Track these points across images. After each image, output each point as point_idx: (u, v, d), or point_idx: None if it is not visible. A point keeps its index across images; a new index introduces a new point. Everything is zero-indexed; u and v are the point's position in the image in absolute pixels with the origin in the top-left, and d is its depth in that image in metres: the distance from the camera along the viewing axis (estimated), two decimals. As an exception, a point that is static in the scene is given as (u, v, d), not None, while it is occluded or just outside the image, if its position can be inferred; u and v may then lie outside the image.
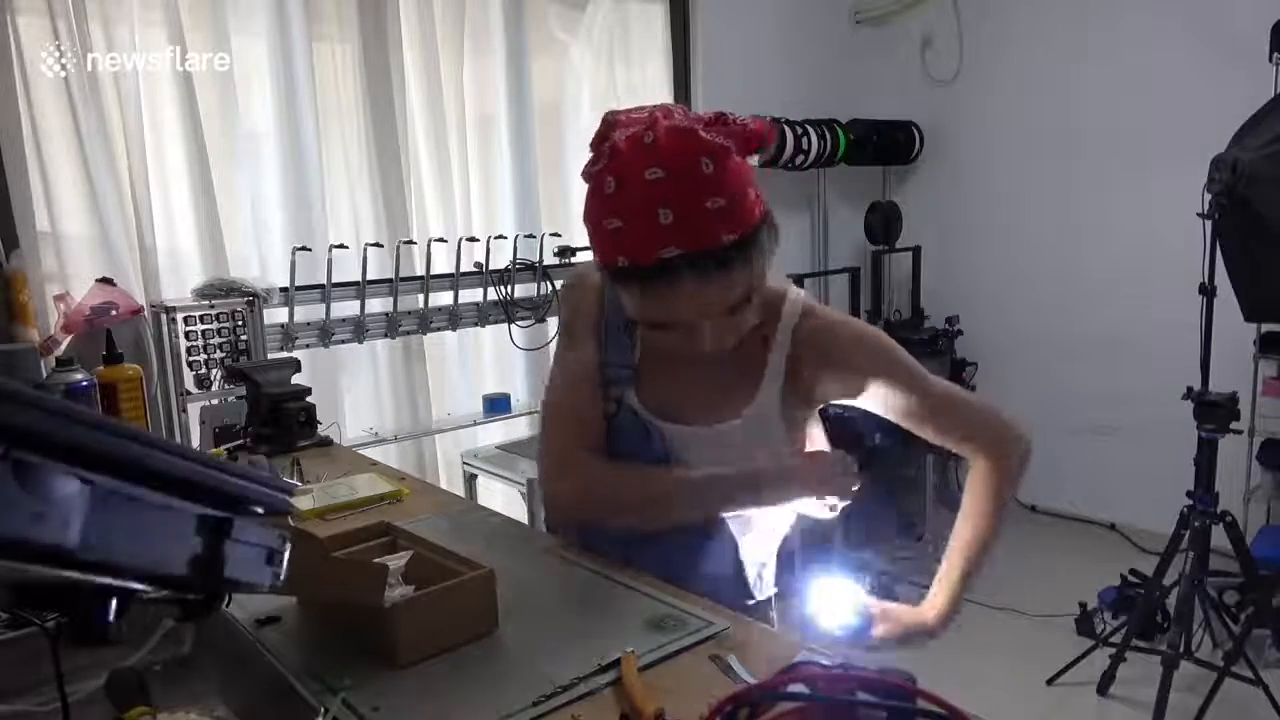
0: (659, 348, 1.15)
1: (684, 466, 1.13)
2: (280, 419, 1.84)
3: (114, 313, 2.33)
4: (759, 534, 1.22)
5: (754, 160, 1.04)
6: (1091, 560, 3.56)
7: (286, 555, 0.70)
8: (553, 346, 1.50)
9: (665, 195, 0.92)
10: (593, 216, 0.99)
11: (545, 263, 3.19)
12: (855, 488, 1.10)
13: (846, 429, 1.19)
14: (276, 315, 2.70)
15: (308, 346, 2.76)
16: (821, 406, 1.23)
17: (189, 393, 2.46)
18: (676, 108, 1.01)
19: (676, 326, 1.02)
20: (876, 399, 1.15)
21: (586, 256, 3.41)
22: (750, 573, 1.22)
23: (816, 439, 1.24)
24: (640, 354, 1.18)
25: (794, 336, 1.13)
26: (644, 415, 1.15)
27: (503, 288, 3.11)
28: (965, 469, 1.25)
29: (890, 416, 1.16)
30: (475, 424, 3.19)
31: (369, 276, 2.80)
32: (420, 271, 2.96)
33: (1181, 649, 2.50)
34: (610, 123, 1.00)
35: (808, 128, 3.88)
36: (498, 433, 3.22)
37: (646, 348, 1.17)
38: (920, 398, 1.14)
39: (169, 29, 2.53)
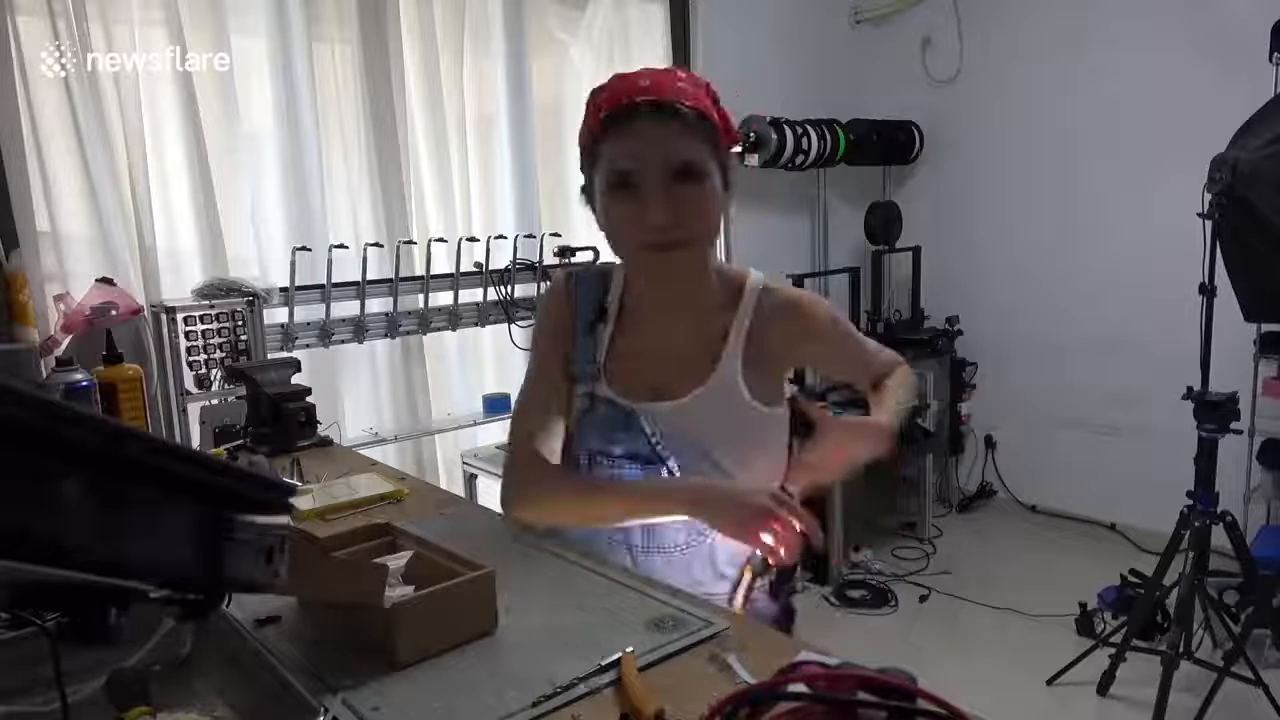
0: (624, 350, 1.24)
1: (624, 480, 1.21)
2: (280, 419, 1.84)
3: (114, 313, 2.33)
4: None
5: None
6: (1091, 560, 3.57)
7: (286, 555, 0.70)
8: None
9: (648, 75, 1.13)
10: (587, 117, 1.15)
11: (545, 263, 3.20)
12: (783, 542, 1.07)
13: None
14: (276, 315, 2.70)
15: (308, 346, 2.76)
16: (788, 384, 1.30)
17: (189, 393, 2.46)
18: None
19: (634, 189, 1.11)
20: (828, 356, 1.35)
21: (586, 256, 3.42)
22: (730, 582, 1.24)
23: (782, 422, 1.27)
24: (609, 348, 1.25)
25: (755, 311, 1.23)
26: (621, 402, 1.21)
27: (503, 288, 3.11)
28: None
29: (836, 371, 1.40)
30: (475, 424, 3.19)
31: (369, 276, 2.80)
32: (420, 271, 2.96)
33: (1181, 649, 2.50)
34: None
35: (808, 128, 3.88)
36: (498, 433, 3.22)
37: (615, 340, 1.25)
38: (862, 354, 1.35)
39: (169, 29, 2.53)
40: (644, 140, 1.10)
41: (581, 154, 1.19)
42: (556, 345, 1.27)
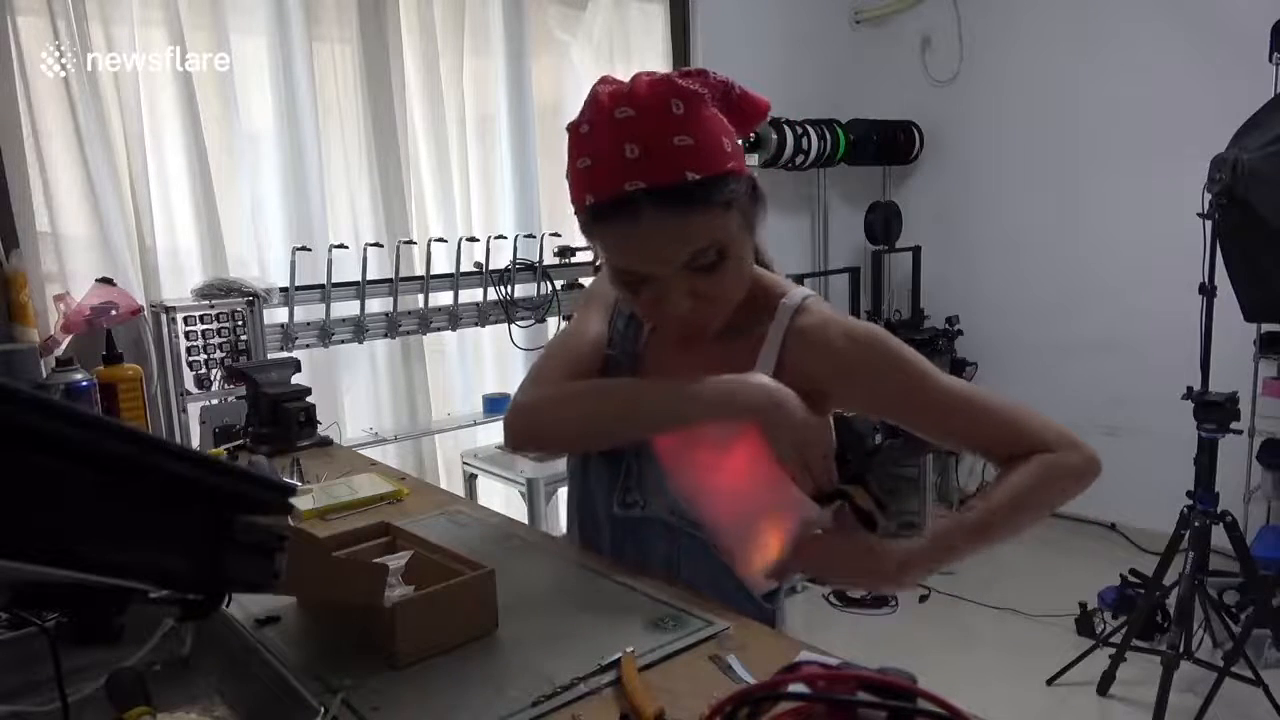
0: (661, 342, 1.15)
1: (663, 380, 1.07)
2: (280, 419, 1.84)
3: (114, 313, 2.33)
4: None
5: (753, 161, 1.02)
6: (1091, 560, 3.56)
7: (286, 555, 0.70)
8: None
9: (633, 131, 0.92)
10: (570, 163, 0.99)
11: (545, 263, 3.20)
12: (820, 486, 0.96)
13: (842, 428, 1.05)
14: (276, 315, 2.70)
15: (308, 346, 2.76)
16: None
17: (189, 393, 2.46)
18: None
19: (646, 282, 0.99)
20: (879, 405, 1.06)
21: (586, 256, 3.42)
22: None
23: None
24: (643, 347, 1.17)
25: (786, 334, 1.06)
26: None
27: (503, 288, 3.11)
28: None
29: (903, 425, 1.05)
30: (475, 424, 3.19)
31: (369, 276, 2.80)
32: (420, 271, 2.96)
33: (1181, 649, 2.50)
34: (598, 83, 1.00)
35: (808, 128, 3.88)
36: (498, 433, 3.21)
37: (650, 341, 1.17)
38: (932, 402, 1.03)
39: (169, 29, 2.53)
40: (649, 242, 0.95)
41: (573, 203, 1.01)
42: (602, 318, 1.19)
